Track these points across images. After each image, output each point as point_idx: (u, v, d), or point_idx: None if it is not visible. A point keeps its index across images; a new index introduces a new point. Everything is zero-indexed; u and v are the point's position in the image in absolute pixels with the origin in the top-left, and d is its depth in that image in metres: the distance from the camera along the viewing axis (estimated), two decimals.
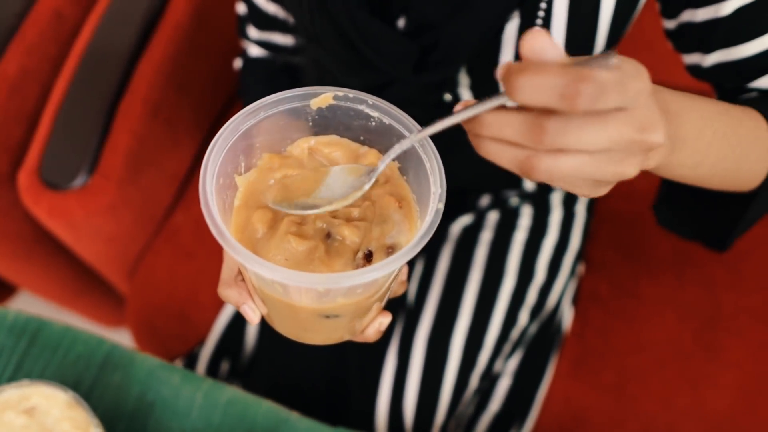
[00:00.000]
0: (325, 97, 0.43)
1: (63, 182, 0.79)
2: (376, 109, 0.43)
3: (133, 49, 0.88)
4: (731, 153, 0.47)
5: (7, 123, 0.86)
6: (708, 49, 0.55)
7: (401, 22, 0.58)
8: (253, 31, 0.75)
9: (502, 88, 0.33)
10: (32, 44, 0.90)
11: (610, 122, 0.31)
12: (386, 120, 0.42)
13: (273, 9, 0.70)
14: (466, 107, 0.34)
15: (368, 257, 0.41)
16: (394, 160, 0.41)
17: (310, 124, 0.44)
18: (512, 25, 0.55)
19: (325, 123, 0.44)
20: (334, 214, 0.42)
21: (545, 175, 0.33)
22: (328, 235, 0.41)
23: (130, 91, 0.86)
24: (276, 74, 0.78)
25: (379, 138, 0.44)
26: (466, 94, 0.63)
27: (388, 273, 0.38)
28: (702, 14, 0.53)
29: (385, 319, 0.47)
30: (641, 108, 0.32)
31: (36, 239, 0.92)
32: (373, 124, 0.43)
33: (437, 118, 0.36)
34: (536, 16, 0.54)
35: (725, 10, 0.51)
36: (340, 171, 0.41)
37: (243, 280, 0.46)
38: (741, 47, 0.53)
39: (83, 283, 1.05)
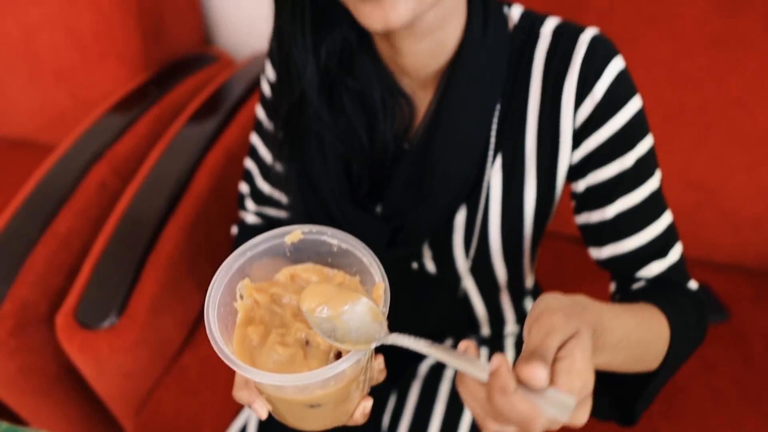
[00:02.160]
0: (295, 233, 0.55)
1: (95, 322, 0.93)
2: (334, 237, 0.55)
3: (161, 215, 1.07)
4: (638, 350, 0.57)
5: (52, 273, 1.03)
6: (601, 244, 0.72)
7: (378, 209, 0.76)
8: (250, 204, 0.89)
9: (483, 367, 0.42)
10: (79, 209, 1.11)
11: None
12: (344, 245, 0.55)
13: (268, 189, 0.87)
14: (445, 351, 0.44)
15: (338, 356, 0.50)
16: (355, 274, 0.55)
17: (288, 255, 0.56)
18: (461, 214, 0.74)
19: (299, 253, 0.57)
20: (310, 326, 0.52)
21: None
22: (307, 342, 0.52)
23: (157, 248, 1.04)
24: (263, 228, 0.93)
25: (342, 259, 0.56)
26: (429, 263, 0.80)
27: (349, 366, 0.47)
28: (595, 216, 0.70)
29: (368, 402, 0.56)
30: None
31: (58, 376, 1.04)
32: (335, 249, 0.56)
33: (426, 342, 0.45)
34: (477, 209, 0.73)
35: (609, 213, 0.68)
36: (365, 307, 0.51)
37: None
38: (624, 242, 0.69)
39: (91, 421, 1.15)
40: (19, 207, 1.08)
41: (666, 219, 0.70)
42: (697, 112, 1.12)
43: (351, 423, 0.58)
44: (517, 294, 0.87)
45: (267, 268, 0.56)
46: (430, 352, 0.44)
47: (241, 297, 0.55)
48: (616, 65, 0.66)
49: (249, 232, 0.90)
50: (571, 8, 1.12)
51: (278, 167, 0.83)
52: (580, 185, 0.70)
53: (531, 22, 0.69)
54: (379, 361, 0.58)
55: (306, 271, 0.57)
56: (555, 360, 0.42)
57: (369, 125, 0.73)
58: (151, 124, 1.29)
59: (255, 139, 0.86)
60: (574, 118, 0.67)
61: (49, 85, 1.48)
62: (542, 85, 0.68)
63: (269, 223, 0.90)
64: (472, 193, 0.73)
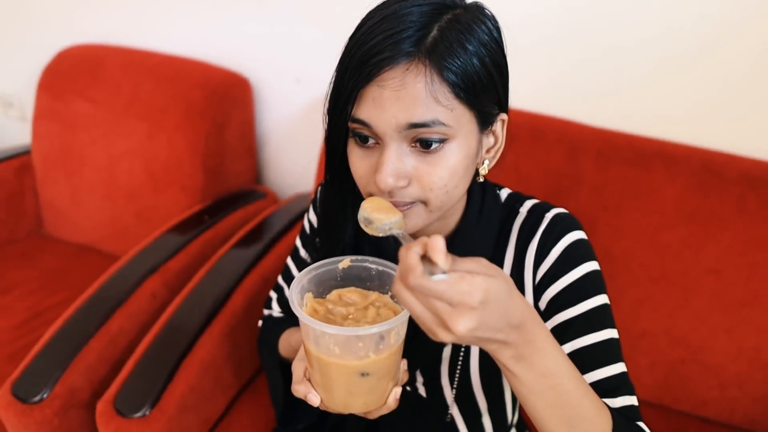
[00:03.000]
0: (345, 261, 0.75)
1: (130, 412, 1.06)
2: (374, 263, 0.75)
3: (200, 326, 1.22)
4: (569, 409, 0.61)
5: (99, 365, 1.18)
6: None
7: None
8: (276, 306, 1.05)
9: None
10: (131, 312, 1.27)
11: (422, 308, 0.53)
12: (380, 268, 0.75)
13: None
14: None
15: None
16: (387, 292, 0.74)
17: (339, 278, 0.76)
18: (448, 348, 0.87)
19: (346, 278, 0.76)
20: (357, 321, 0.71)
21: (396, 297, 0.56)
22: None
23: (192, 354, 1.17)
24: (284, 321, 1.03)
25: (377, 283, 0.76)
26: (421, 388, 0.92)
27: (393, 329, 0.65)
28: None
29: (398, 389, 0.72)
30: (449, 310, 0.51)
31: None
32: (374, 272, 0.75)
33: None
34: (461, 346, 0.86)
35: (550, 294, 0.78)
36: (396, 219, 0.69)
37: (308, 379, 0.73)
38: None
39: None
40: (82, 305, 1.26)
41: (618, 368, 0.74)
42: (678, 276, 1.26)
43: (384, 410, 0.72)
44: (501, 424, 0.96)
45: (323, 283, 0.76)
46: (400, 235, 0.64)
47: (306, 305, 0.73)
48: (572, 236, 0.79)
49: (273, 321, 1.06)
50: (567, 183, 1.31)
51: None
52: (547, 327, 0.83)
53: (514, 201, 0.85)
54: (403, 362, 0.74)
55: (350, 292, 0.75)
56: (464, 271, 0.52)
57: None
58: (202, 247, 1.49)
59: (290, 262, 1.04)
60: (534, 276, 0.81)
61: (120, 204, 1.72)
62: (514, 250, 0.83)
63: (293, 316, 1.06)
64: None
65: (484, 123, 0.73)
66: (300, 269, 1.01)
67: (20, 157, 1.85)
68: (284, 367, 1.01)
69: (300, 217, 1.61)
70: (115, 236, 1.75)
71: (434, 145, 0.68)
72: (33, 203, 1.87)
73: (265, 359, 1.05)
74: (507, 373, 0.60)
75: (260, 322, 1.10)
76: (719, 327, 1.25)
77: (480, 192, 0.84)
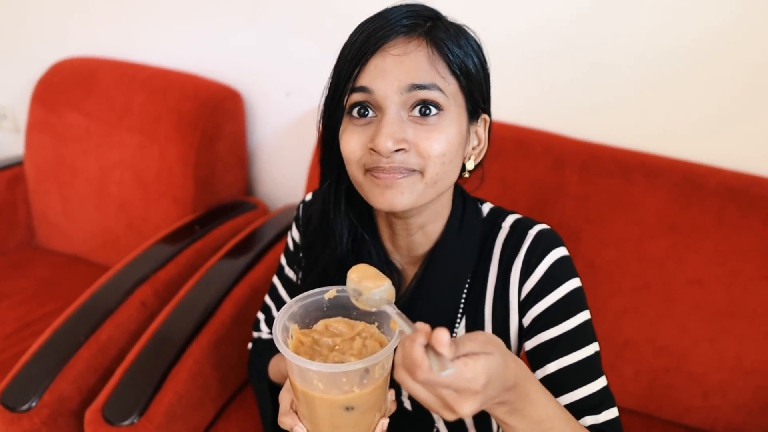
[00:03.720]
0: (331, 291, 0.74)
1: (118, 420, 1.06)
2: None
3: (188, 335, 1.23)
4: None
5: (88, 373, 1.18)
6: None
7: None
8: (265, 327, 1.05)
9: (414, 327, 0.55)
10: (121, 322, 1.29)
11: (428, 394, 0.54)
12: None
13: None
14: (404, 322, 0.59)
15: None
16: (374, 322, 0.73)
17: (325, 309, 0.74)
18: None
19: (333, 307, 0.74)
20: (343, 353, 0.69)
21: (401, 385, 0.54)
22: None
23: (180, 363, 1.18)
24: (273, 344, 1.02)
25: (364, 313, 0.73)
26: (406, 401, 0.92)
27: (378, 363, 0.64)
28: (539, 373, 0.79)
29: (385, 421, 0.71)
30: (454, 396, 0.52)
31: None
32: None
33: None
34: None
35: (549, 369, 0.78)
36: (387, 289, 0.68)
37: (294, 411, 0.73)
38: (562, 397, 0.77)
39: None
40: (72, 314, 1.26)
41: (600, 383, 0.78)
42: (661, 286, 1.28)
43: None
44: None
45: (309, 315, 0.76)
46: (393, 313, 0.62)
47: (291, 337, 0.72)
48: (556, 254, 0.81)
49: (264, 344, 1.06)
50: (552, 194, 1.34)
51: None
52: (530, 345, 0.83)
53: (496, 216, 0.88)
54: (391, 393, 0.73)
55: (337, 322, 0.74)
56: (464, 354, 0.53)
57: None
58: (192, 257, 1.50)
59: (276, 281, 1.05)
60: (519, 292, 0.83)
61: (111, 215, 1.73)
62: (498, 265, 0.84)
63: None
64: None
65: (473, 112, 0.77)
66: (286, 287, 1.03)
67: (13, 169, 1.86)
68: (274, 391, 1.01)
69: (290, 228, 1.62)
70: (106, 247, 1.76)
71: (432, 113, 0.72)
72: (25, 214, 1.88)
73: (255, 383, 1.05)
74: (502, 425, 0.63)
75: (249, 345, 1.11)
76: (701, 336, 1.27)
77: (461, 201, 0.87)
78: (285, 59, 1.69)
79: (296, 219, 1.01)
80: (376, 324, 0.75)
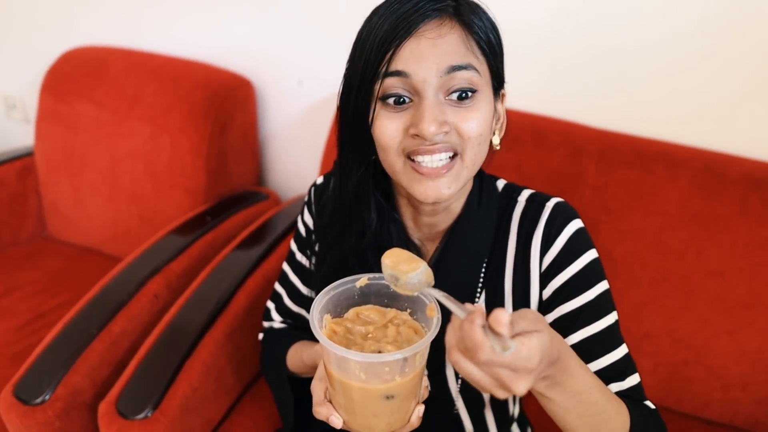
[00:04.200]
0: (363, 279, 0.74)
1: (132, 413, 1.06)
2: None
3: (202, 327, 1.22)
4: (597, 417, 0.67)
5: (102, 366, 1.18)
6: None
7: None
8: (276, 316, 1.06)
9: (466, 309, 0.55)
10: (134, 314, 1.28)
11: (482, 375, 0.54)
12: None
13: (295, 308, 1.04)
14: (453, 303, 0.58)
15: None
16: (406, 308, 0.74)
17: (356, 297, 0.75)
18: None
19: (364, 295, 0.75)
20: (378, 340, 0.70)
21: (454, 365, 0.55)
22: (379, 352, 0.68)
23: (194, 355, 1.17)
24: (287, 333, 1.04)
25: (395, 300, 0.75)
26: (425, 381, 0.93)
27: (418, 352, 0.65)
28: (572, 339, 0.81)
29: (421, 408, 0.72)
30: (511, 375, 0.53)
31: None
32: (391, 290, 0.72)
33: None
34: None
35: (572, 341, 0.80)
36: (424, 271, 0.68)
37: (329, 400, 0.73)
38: (588, 366, 0.79)
39: None
40: (84, 306, 1.26)
41: (622, 350, 0.81)
42: (681, 278, 1.26)
43: (407, 429, 0.72)
44: (503, 417, 0.97)
45: (341, 303, 0.76)
46: (440, 296, 0.60)
47: (325, 326, 0.72)
48: (574, 225, 0.83)
49: (277, 333, 1.06)
50: (570, 184, 1.31)
51: (304, 290, 1.02)
52: (550, 318, 0.84)
53: (511, 191, 0.89)
54: (425, 379, 0.75)
55: (368, 310, 0.75)
56: (517, 333, 0.54)
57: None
58: (204, 248, 1.49)
59: (286, 267, 1.04)
60: (540, 264, 0.84)
61: (122, 206, 1.72)
62: (517, 238, 0.86)
63: (295, 325, 1.06)
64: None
65: (497, 87, 0.78)
66: (298, 274, 1.02)
67: (23, 159, 1.86)
68: (292, 381, 1.00)
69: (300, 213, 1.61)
70: (117, 238, 1.75)
71: (468, 96, 0.73)
72: (36, 205, 1.87)
73: (270, 375, 1.04)
74: (540, 398, 0.64)
75: (260, 336, 1.09)
76: (722, 329, 1.24)
77: (478, 179, 0.87)
78: (297, 47, 1.67)
79: (308, 203, 1.00)
80: (408, 311, 0.75)
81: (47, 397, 1.10)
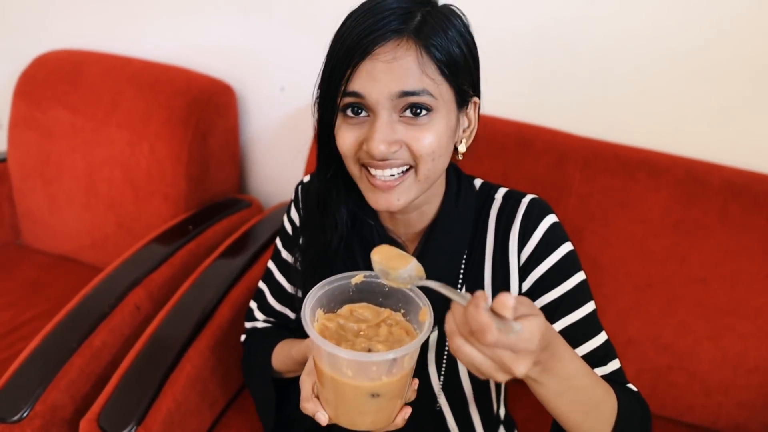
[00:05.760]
0: (359, 276, 0.75)
1: (114, 430, 1.03)
2: None
3: (186, 339, 1.19)
4: (587, 402, 0.69)
5: (82, 381, 1.15)
6: None
7: None
8: (259, 315, 1.06)
9: (466, 297, 0.56)
10: (115, 326, 1.25)
11: (483, 358, 0.55)
12: (395, 285, 0.73)
13: (278, 307, 1.04)
14: (454, 292, 0.59)
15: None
16: (400, 309, 0.75)
17: (351, 293, 0.76)
18: (434, 334, 0.89)
19: (359, 292, 0.76)
20: (369, 338, 0.71)
21: (454, 352, 0.56)
22: (369, 350, 0.69)
23: (178, 368, 1.15)
24: (272, 332, 1.04)
25: (389, 300, 0.76)
26: None
27: (407, 354, 0.65)
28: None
29: (407, 410, 0.74)
30: (512, 357, 0.54)
31: None
32: (386, 289, 0.76)
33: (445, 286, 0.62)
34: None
35: (556, 328, 0.78)
36: (414, 266, 0.70)
37: (316, 396, 0.74)
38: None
39: None
40: (63, 319, 1.22)
41: (602, 336, 0.84)
42: (664, 285, 1.27)
43: (391, 428, 0.74)
44: (488, 415, 0.98)
45: (335, 299, 0.77)
46: (438, 287, 0.62)
47: (317, 320, 0.74)
48: (549, 219, 0.87)
49: (260, 333, 1.06)
50: (555, 192, 1.32)
51: (289, 289, 1.03)
52: None
53: (488, 189, 0.92)
54: (415, 382, 0.77)
55: (362, 308, 0.76)
56: (517, 317, 0.55)
57: (367, 261, 0.88)
58: (186, 258, 1.46)
59: (271, 264, 1.05)
60: (518, 257, 0.87)
61: (100, 213, 1.68)
62: (495, 234, 0.88)
63: (279, 324, 1.07)
64: (443, 318, 0.88)
65: (462, 102, 0.79)
66: (283, 271, 1.03)
67: None
68: (274, 382, 1.00)
69: (287, 212, 1.59)
70: (95, 247, 1.71)
71: (422, 114, 0.74)
72: (9, 213, 1.82)
73: (253, 377, 1.03)
74: (532, 384, 0.65)
75: (243, 337, 1.08)
76: (704, 334, 1.26)
77: (455, 180, 0.90)
78: (279, 52, 1.65)
79: (295, 201, 1.02)
80: (402, 311, 0.76)
81: (25, 414, 1.06)
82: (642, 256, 1.28)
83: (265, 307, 1.05)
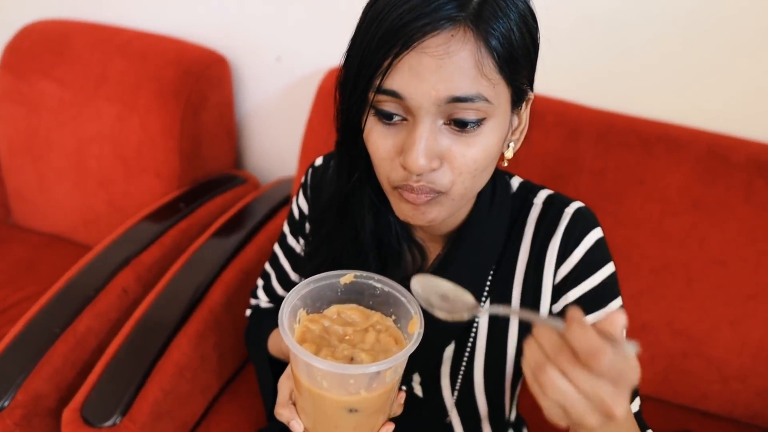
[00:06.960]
0: (348, 276, 0.68)
1: (98, 421, 0.98)
2: (379, 282, 0.68)
3: (175, 324, 1.14)
4: None
5: (66, 368, 1.09)
6: None
7: None
8: (263, 295, 1.00)
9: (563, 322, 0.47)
10: (101, 310, 1.19)
11: (578, 396, 0.46)
12: (386, 288, 0.68)
13: (281, 291, 0.98)
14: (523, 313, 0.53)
15: None
16: (391, 315, 0.67)
17: (339, 293, 0.69)
18: (450, 348, 0.82)
19: (348, 293, 0.69)
20: (353, 345, 0.64)
21: (543, 388, 0.47)
22: (351, 359, 0.63)
23: (166, 355, 1.10)
24: (273, 313, 1.00)
25: (381, 303, 0.69)
26: (417, 387, 0.86)
27: (390, 368, 0.59)
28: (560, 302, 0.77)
29: (390, 427, 0.66)
30: (611, 392, 0.45)
31: None
32: (378, 292, 0.69)
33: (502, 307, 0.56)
34: (466, 346, 0.81)
35: (571, 297, 0.75)
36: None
37: (293, 403, 0.68)
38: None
39: None
40: (46, 303, 1.17)
41: None
42: (681, 267, 1.20)
43: None
44: (499, 427, 0.91)
45: (321, 299, 0.70)
46: (524, 315, 0.53)
47: (299, 321, 0.67)
48: (594, 235, 0.76)
49: (263, 313, 1.01)
50: (566, 168, 1.24)
51: (293, 276, 0.96)
52: None
53: (526, 192, 0.81)
54: (401, 396, 0.70)
55: (351, 309, 0.69)
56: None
57: (383, 265, 0.81)
58: (177, 237, 1.40)
59: (277, 249, 0.98)
60: (554, 275, 0.77)
61: (90, 191, 1.62)
62: (531, 246, 0.78)
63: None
64: (462, 332, 0.81)
65: (517, 101, 0.67)
66: (288, 258, 0.96)
67: None
68: (274, 365, 0.95)
69: (283, 203, 1.53)
70: (86, 225, 1.65)
71: (473, 123, 0.62)
72: None
73: (253, 354, 0.99)
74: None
75: (248, 312, 1.04)
76: (723, 319, 1.19)
77: (490, 179, 0.76)
78: (275, 20, 1.56)
79: (303, 185, 0.92)
80: (393, 317, 0.69)
81: (6, 403, 1.01)
82: (658, 237, 1.20)
83: (269, 289, 1.00)
